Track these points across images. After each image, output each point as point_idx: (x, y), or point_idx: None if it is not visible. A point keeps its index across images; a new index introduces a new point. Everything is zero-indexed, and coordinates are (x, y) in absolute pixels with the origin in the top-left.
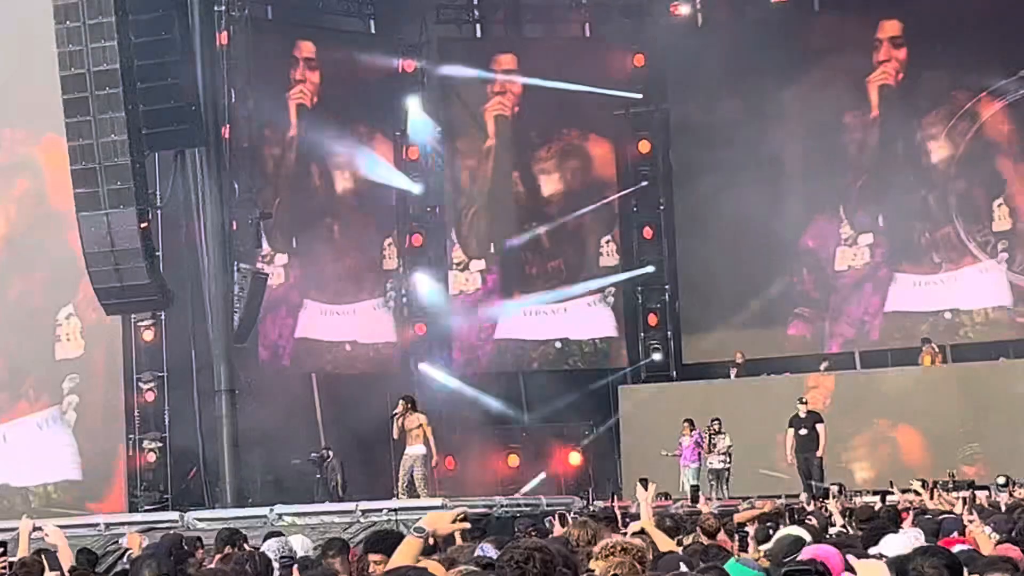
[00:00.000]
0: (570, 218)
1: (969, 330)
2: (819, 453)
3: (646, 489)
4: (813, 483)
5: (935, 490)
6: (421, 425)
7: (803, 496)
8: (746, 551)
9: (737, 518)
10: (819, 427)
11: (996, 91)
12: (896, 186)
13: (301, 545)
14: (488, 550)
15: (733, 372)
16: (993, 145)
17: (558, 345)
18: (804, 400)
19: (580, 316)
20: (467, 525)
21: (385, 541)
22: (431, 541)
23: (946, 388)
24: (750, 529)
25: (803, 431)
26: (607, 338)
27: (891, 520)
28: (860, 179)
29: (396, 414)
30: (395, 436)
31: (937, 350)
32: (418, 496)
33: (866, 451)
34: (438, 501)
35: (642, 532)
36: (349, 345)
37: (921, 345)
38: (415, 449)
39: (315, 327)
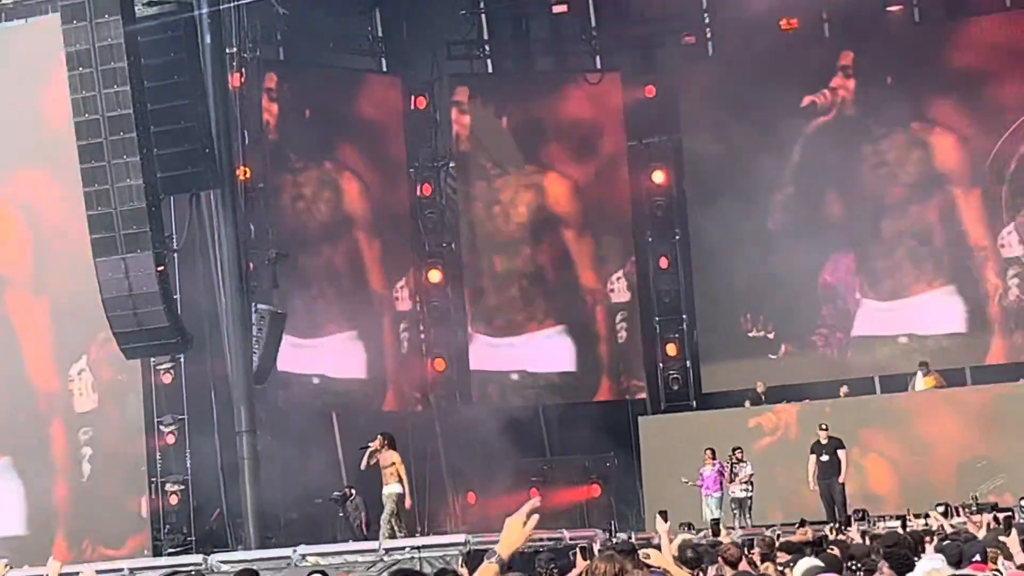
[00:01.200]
0: (586, 250)
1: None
2: (841, 479)
3: (666, 521)
4: (836, 509)
5: (961, 511)
6: (395, 463)
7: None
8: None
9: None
10: (840, 453)
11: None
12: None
13: None
14: None
15: (747, 403)
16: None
17: (577, 375)
18: (824, 426)
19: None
20: (537, 514)
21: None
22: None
23: (962, 412)
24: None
25: (824, 457)
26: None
27: (914, 546)
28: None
29: (371, 448)
30: (362, 467)
31: (939, 377)
32: (395, 536)
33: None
34: (419, 540)
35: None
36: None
37: (919, 370)
38: (391, 488)
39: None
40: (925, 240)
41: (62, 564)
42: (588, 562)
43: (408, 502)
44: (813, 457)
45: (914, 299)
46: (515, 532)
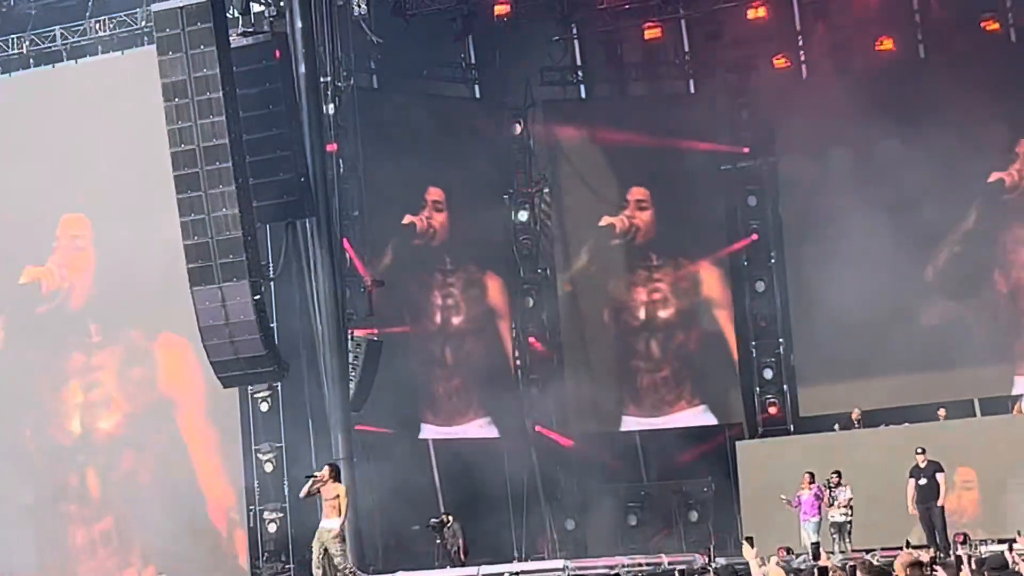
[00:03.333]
0: (681, 274)
1: None
2: (940, 502)
3: (752, 547)
4: (937, 534)
5: None
6: (339, 496)
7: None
8: None
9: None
10: (939, 476)
11: None
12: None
13: None
14: None
15: (837, 427)
16: None
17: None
18: (922, 450)
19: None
20: None
21: None
22: None
23: None
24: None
25: (923, 481)
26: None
27: None
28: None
29: (316, 477)
30: (301, 495)
31: None
32: (336, 574)
33: None
34: (518, 566)
35: None
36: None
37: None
38: (330, 523)
39: None
40: None
41: None
42: None
43: (336, 532)
44: (912, 481)
45: None
46: None
